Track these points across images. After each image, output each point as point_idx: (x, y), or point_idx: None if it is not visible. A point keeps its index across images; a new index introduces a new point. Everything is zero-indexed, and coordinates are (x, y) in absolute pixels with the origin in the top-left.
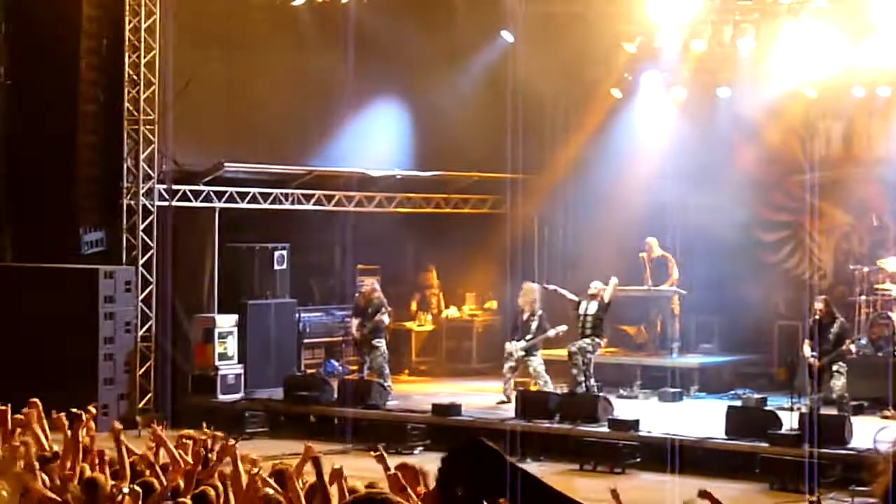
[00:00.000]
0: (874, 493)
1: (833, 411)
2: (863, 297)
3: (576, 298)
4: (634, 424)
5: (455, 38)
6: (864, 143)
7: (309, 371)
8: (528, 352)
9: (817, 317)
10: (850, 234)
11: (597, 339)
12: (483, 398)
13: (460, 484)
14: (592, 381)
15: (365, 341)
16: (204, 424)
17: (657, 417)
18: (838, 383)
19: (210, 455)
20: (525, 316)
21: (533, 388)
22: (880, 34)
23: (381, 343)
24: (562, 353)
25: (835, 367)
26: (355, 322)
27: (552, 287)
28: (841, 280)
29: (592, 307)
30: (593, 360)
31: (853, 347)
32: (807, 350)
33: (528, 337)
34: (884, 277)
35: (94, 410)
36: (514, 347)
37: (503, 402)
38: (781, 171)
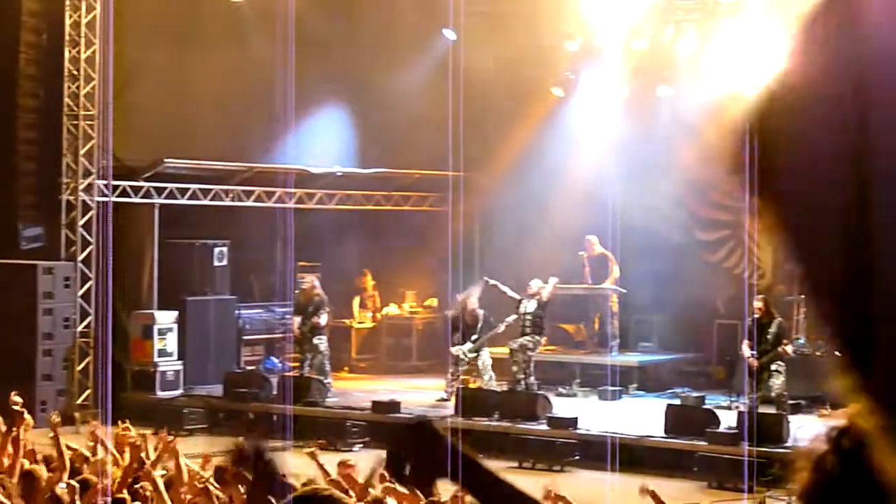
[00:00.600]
0: (792, 491)
1: (771, 410)
2: (802, 297)
3: (517, 296)
4: (573, 422)
5: (397, 35)
6: None
7: (248, 368)
8: (477, 351)
9: (756, 316)
10: None
11: (536, 338)
12: (422, 395)
13: (407, 461)
14: (532, 378)
15: (305, 339)
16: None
17: (596, 415)
18: (777, 382)
19: (149, 452)
20: (468, 318)
21: (473, 385)
22: None
23: (322, 341)
24: (502, 350)
25: (773, 367)
26: (296, 320)
27: (493, 283)
28: (780, 279)
29: (532, 305)
30: (533, 357)
31: (790, 348)
32: (745, 350)
33: (475, 337)
34: None
35: (18, 400)
36: (462, 350)
37: (443, 400)
38: (721, 170)
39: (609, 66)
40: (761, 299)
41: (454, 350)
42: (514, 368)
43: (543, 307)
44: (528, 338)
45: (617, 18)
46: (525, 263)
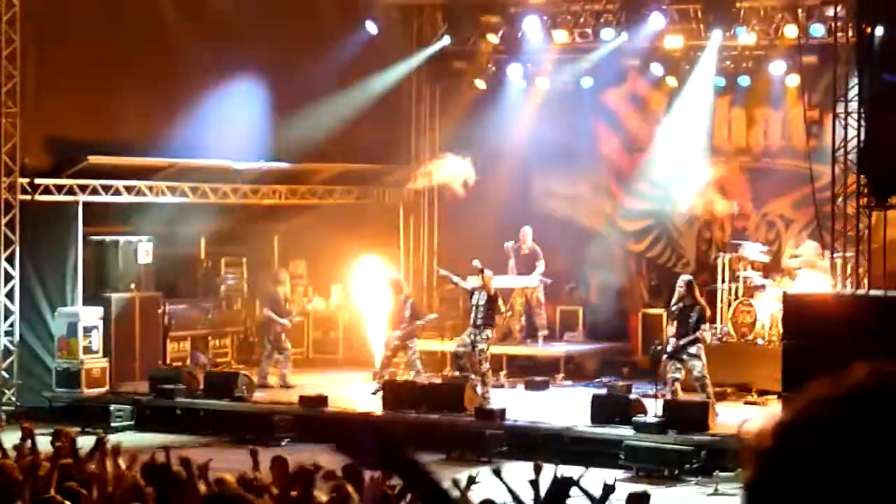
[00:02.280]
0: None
1: (696, 397)
2: (725, 285)
3: (468, 287)
4: (501, 413)
5: (320, 28)
6: (724, 132)
7: (174, 364)
8: (403, 340)
9: (677, 299)
10: (711, 223)
11: (488, 331)
12: (349, 389)
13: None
14: (487, 366)
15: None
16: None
17: (523, 406)
18: (697, 364)
19: (79, 450)
20: (398, 305)
21: (400, 378)
22: (742, 24)
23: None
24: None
25: (693, 350)
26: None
27: (444, 273)
28: (703, 268)
29: (483, 298)
30: (487, 349)
31: (708, 334)
32: (670, 330)
33: (403, 325)
34: (745, 265)
35: None
36: (391, 336)
37: (378, 391)
38: (644, 159)
39: (531, 59)
40: (685, 282)
41: (385, 336)
42: (462, 361)
43: (494, 299)
44: (482, 330)
45: (538, 10)
46: (451, 255)
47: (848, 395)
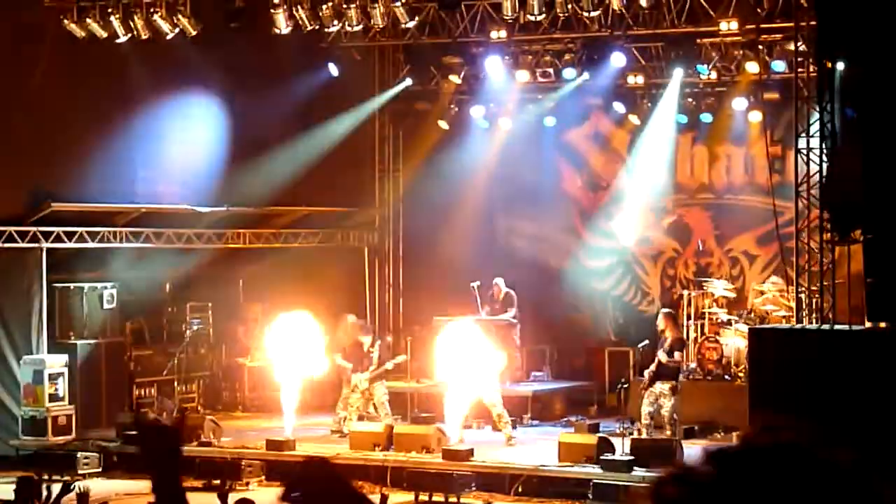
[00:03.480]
0: None
1: (664, 434)
2: (691, 322)
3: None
4: (468, 454)
5: (281, 70)
6: (686, 169)
7: (141, 410)
8: (371, 382)
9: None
10: (675, 260)
11: None
12: (317, 432)
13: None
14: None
15: None
16: None
17: (491, 446)
18: (667, 404)
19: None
20: (366, 347)
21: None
22: (703, 62)
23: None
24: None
25: (666, 387)
26: None
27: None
28: (668, 305)
29: None
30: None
31: (663, 357)
32: (662, 356)
33: (372, 368)
34: (711, 301)
35: None
36: (359, 379)
37: (336, 433)
38: (607, 197)
39: (494, 98)
40: (664, 314)
41: (353, 378)
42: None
43: None
44: None
45: (499, 50)
46: (417, 296)
47: (738, 452)
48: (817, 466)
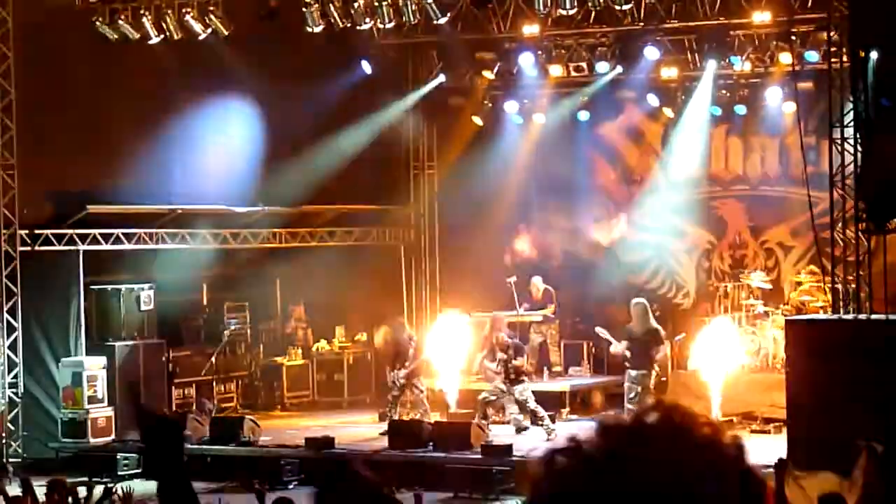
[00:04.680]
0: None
1: None
2: (728, 314)
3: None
4: (507, 450)
5: (316, 69)
6: (721, 161)
7: (180, 410)
8: (409, 379)
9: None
10: (711, 252)
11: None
12: (356, 430)
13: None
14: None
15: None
16: None
17: (530, 442)
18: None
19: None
20: (404, 345)
21: (407, 418)
22: (737, 53)
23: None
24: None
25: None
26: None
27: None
28: (704, 297)
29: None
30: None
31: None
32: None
33: (408, 364)
34: (748, 294)
35: None
36: (396, 376)
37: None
38: (642, 191)
39: (528, 94)
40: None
41: (389, 376)
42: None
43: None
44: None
45: (532, 45)
46: (453, 293)
47: (628, 427)
48: (699, 445)
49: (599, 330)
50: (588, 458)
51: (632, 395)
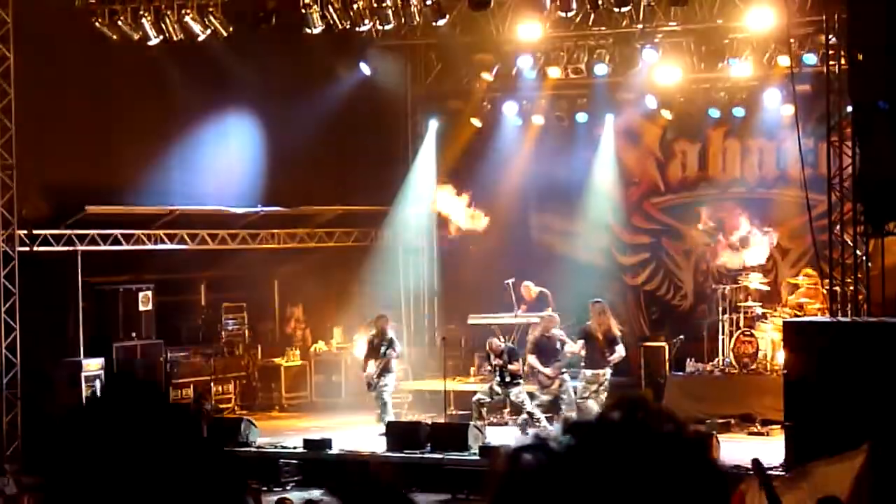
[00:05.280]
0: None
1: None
2: (726, 316)
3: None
4: None
5: (315, 70)
6: (719, 164)
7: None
8: (380, 375)
9: (545, 334)
10: (708, 254)
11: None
12: (354, 431)
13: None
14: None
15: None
16: None
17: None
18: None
19: None
20: (376, 340)
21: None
22: (735, 56)
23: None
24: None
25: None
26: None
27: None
28: (701, 299)
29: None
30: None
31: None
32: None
33: (378, 362)
34: (746, 296)
35: None
36: (370, 372)
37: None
38: (639, 193)
39: (526, 95)
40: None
41: (365, 372)
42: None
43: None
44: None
45: (531, 47)
46: (451, 293)
47: (593, 424)
48: (662, 440)
49: (556, 331)
50: (552, 454)
51: (585, 394)
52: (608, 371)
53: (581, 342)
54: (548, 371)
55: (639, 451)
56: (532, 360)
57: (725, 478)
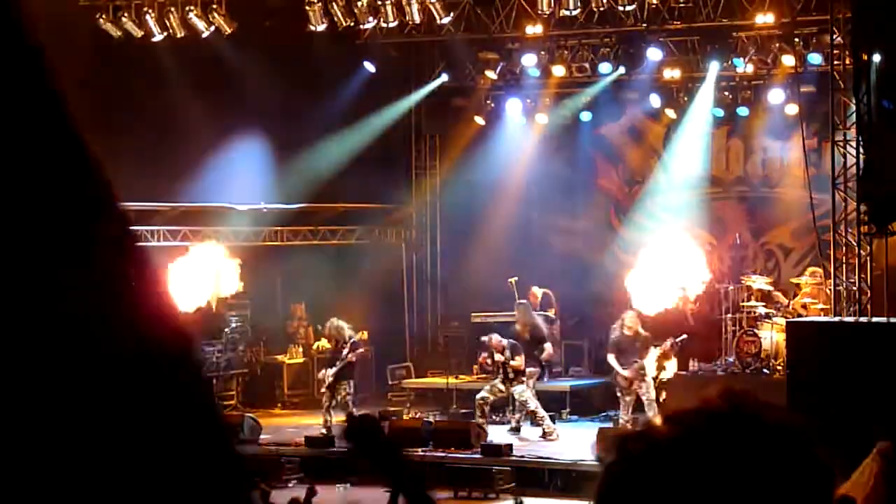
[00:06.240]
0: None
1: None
2: (729, 316)
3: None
4: (507, 449)
5: (318, 68)
6: (722, 163)
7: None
8: (338, 378)
9: (627, 332)
10: (711, 253)
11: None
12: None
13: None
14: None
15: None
16: None
17: (530, 442)
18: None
19: None
20: (338, 344)
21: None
22: (739, 55)
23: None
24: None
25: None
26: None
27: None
28: (704, 299)
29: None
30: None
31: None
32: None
33: (338, 363)
34: (749, 295)
35: None
36: (326, 374)
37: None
38: (643, 192)
39: (530, 94)
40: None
41: (320, 374)
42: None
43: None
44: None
45: (535, 45)
46: (455, 290)
47: (695, 414)
48: (770, 431)
49: (486, 338)
50: (659, 444)
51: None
52: (538, 370)
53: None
54: (626, 373)
55: (747, 441)
56: (611, 359)
57: (832, 472)
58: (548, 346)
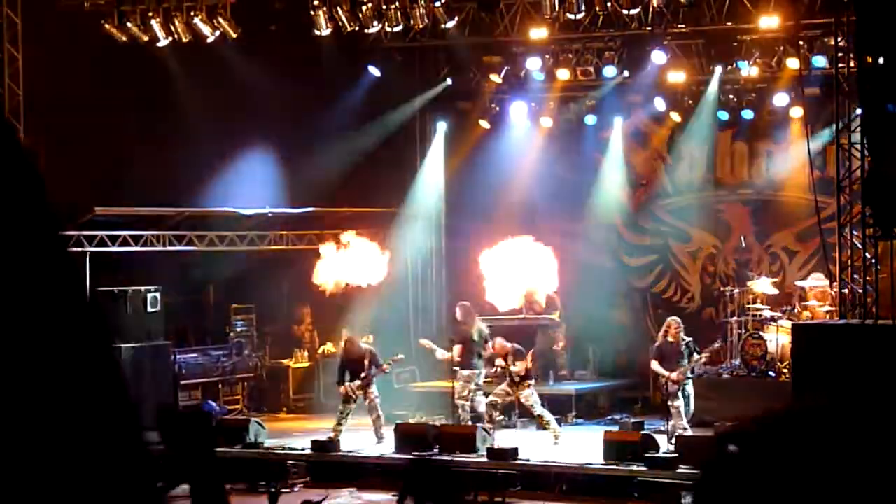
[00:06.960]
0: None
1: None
2: (734, 319)
3: (445, 354)
4: (513, 453)
5: (324, 73)
6: (727, 166)
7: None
8: (366, 388)
9: (670, 339)
10: (715, 257)
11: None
12: (361, 433)
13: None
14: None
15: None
16: None
17: (536, 445)
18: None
19: None
20: (355, 355)
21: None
22: (744, 58)
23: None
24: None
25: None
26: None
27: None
28: (708, 302)
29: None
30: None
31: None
32: (659, 368)
33: (363, 375)
34: (754, 298)
35: None
36: (351, 388)
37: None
38: (647, 195)
39: (534, 97)
40: (675, 320)
41: (341, 389)
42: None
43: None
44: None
45: (540, 49)
46: (461, 296)
47: (785, 415)
48: (853, 432)
49: (423, 341)
50: (755, 443)
51: (465, 392)
52: (483, 370)
53: (458, 347)
54: (673, 376)
55: (835, 441)
56: (654, 366)
57: None
58: (490, 347)
